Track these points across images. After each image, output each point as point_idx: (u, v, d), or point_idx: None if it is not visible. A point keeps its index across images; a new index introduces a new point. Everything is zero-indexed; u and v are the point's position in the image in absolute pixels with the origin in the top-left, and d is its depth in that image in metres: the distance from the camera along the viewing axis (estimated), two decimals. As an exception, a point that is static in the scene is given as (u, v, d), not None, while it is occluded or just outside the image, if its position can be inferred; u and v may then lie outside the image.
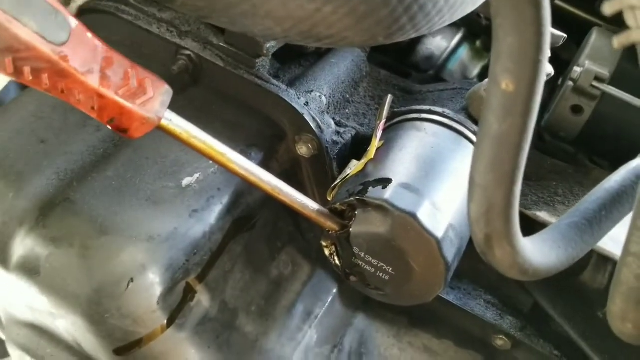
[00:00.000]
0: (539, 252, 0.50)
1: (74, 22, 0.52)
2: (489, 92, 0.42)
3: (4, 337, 0.85)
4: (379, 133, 0.73)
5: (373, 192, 0.65)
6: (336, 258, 0.69)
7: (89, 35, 0.53)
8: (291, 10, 0.52)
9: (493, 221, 0.45)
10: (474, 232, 0.47)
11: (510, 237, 0.46)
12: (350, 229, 0.66)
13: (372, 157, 0.71)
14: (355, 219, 0.66)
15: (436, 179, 0.67)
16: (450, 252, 0.64)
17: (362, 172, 0.69)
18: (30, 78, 0.50)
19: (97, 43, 0.54)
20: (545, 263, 0.50)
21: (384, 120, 0.74)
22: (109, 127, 0.55)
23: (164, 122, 0.57)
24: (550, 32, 0.40)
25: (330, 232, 0.68)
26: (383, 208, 0.64)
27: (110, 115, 0.54)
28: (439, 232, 0.63)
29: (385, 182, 0.65)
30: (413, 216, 0.62)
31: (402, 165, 0.68)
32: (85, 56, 0.52)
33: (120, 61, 0.55)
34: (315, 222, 0.67)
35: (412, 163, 0.68)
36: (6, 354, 0.88)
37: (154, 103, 0.55)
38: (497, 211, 0.44)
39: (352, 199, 0.65)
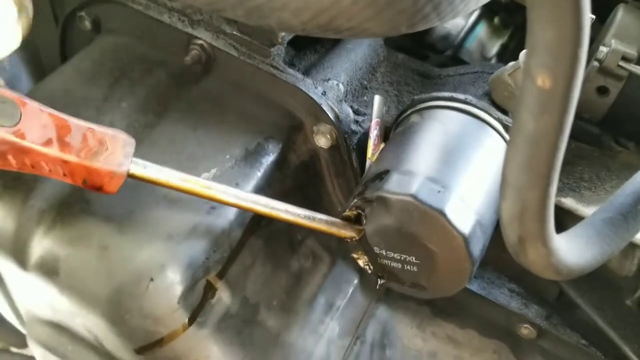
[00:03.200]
0: (574, 251, 0.48)
1: (24, 102, 0.57)
2: (523, 88, 0.40)
3: (24, 332, 0.85)
4: (373, 134, 0.72)
5: (371, 187, 0.64)
6: (371, 265, 0.68)
7: (42, 110, 0.58)
8: (309, 2, 0.49)
9: (527, 223, 0.43)
10: (506, 234, 0.45)
11: (545, 239, 0.44)
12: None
13: (370, 157, 0.70)
14: (366, 219, 0.64)
15: (443, 160, 0.65)
16: (462, 221, 0.61)
17: (366, 173, 0.68)
18: None
19: (50, 115, 0.58)
20: (580, 262, 0.48)
21: (376, 120, 0.72)
22: (85, 188, 0.59)
23: (137, 172, 0.60)
24: (589, 23, 0.37)
25: (350, 241, 0.66)
26: (383, 198, 0.62)
27: (81, 178, 0.58)
28: (441, 204, 0.61)
29: (383, 174, 0.64)
30: (412, 196, 0.61)
31: (402, 155, 0.66)
32: (40, 130, 0.57)
33: (77, 126, 0.59)
34: (331, 234, 0.66)
35: (415, 151, 0.66)
36: (25, 345, 0.88)
37: (116, 156, 0.59)
38: (531, 213, 0.42)
39: (355, 200, 0.64)
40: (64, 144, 0.57)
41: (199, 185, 0.62)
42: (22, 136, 0.55)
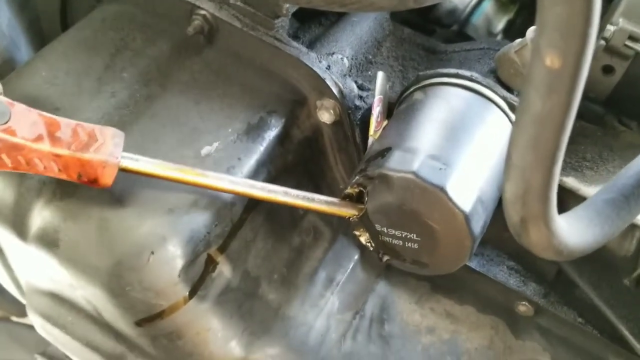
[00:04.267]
0: (575, 232, 0.48)
1: (12, 103, 0.58)
2: (531, 67, 0.39)
3: (24, 302, 0.86)
4: (375, 111, 0.71)
5: (373, 165, 0.64)
6: (373, 242, 0.68)
7: (29, 109, 0.59)
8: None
9: (530, 204, 0.43)
10: (508, 214, 0.45)
11: (547, 220, 0.44)
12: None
13: (372, 134, 0.70)
14: (368, 196, 0.64)
15: (445, 137, 0.65)
16: (464, 198, 0.61)
17: (368, 150, 0.68)
18: None
19: (38, 114, 0.59)
20: (581, 243, 0.48)
21: (378, 97, 0.72)
22: (81, 183, 0.60)
23: (130, 165, 0.60)
24: (600, 2, 0.37)
25: (352, 219, 0.66)
26: (384, 176, 0.62)
27: (76, 171, 0.59)
28: (442, 181, 0.60)
29: (385, 152, 0.64)
30: (413, 173, 0.61)
31: (405, 132, 0.66)
32: (30, 127, 0.58)
33: (65, 123, 0.60)
34: (331, 214, 0.66)
35: (418, 129, 0.66)
36: (26, 314, 0.89)
37: (107, 146, 0.60)
38: (535, 193, 0.42)
39: (357, 177, 0.64)
40: (54, 139, 0.58)
41: (193, 174, 0.62)
42: (12, 133, 0.57)
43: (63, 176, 0.59)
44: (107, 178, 0.59)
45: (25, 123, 0.58)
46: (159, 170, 0.61)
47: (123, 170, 0.60)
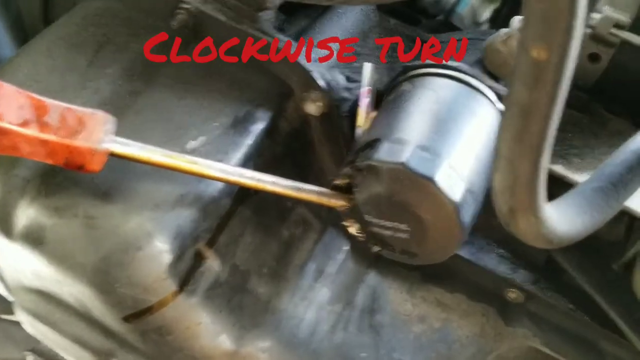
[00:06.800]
0: (564, 220, 0.48)
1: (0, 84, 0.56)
2: (518, 60, 0.39)
3: (10, 299, 0.85)
4: (363, 102, 0.71)
5: (362, 156, 0.64)
6: (362, 233, 0.68)
7: (18, 91, 0.57)
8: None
9: (518, 194, 0.43)
10: (497, 204, 0.45)
11: (536, 209, 0.44)
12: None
13: (361, 125, 0.70)
14: (357, 187, 0.64)
15: (434, 128, 0.65)
16: (453, 189, 0.61)
17: (357, 141, 0.68)
18: None
19: (27, 97, 0.58)
20: (570, 231, 0.49)
21: (366, 88, 0.72)
22: (67, 169, 0.59)
23: (120, 150, 0.59)
24: (586, -9, 0.37)
25: (341, 210, 0.66)
26: (373, 167, 0.62)
27: (63, 157, 0.58)
28: (432, 172, 0.61)
29: (373, 143, 0.64)
30: (402, 164, 0.61)
31: (393, 123, 0.66)
32: (17, 111, 0.56)
33: (54, 106, 0.59)
34: (320, 204, 0.67)
35: (406, 119, 0.66)
36: (12, 311, 0.88)
37: (97, 134, 0.58)
38: (523, 184, 0.43)
39: (345, 169, 0.64)
40: (42, 124, 0.57)
41: (183, 161, 0.61)
42: None
43: (49, 161, 0.58)
44: (95, 165, 0.59)
45: (13, 107, 0.56)
46: (149, 156, 0.60)
47: (113, 155, 0.59)
